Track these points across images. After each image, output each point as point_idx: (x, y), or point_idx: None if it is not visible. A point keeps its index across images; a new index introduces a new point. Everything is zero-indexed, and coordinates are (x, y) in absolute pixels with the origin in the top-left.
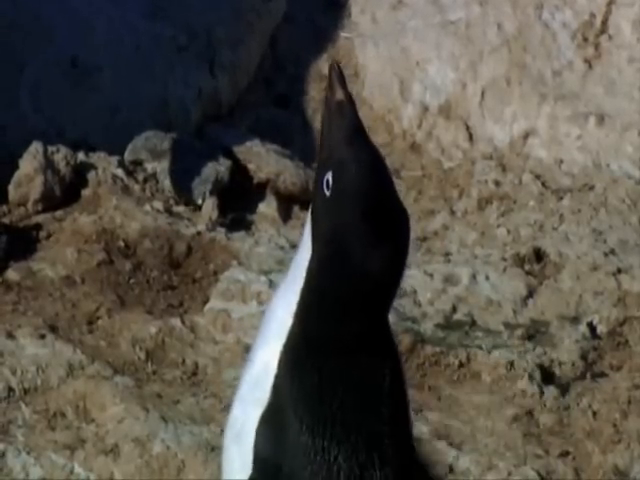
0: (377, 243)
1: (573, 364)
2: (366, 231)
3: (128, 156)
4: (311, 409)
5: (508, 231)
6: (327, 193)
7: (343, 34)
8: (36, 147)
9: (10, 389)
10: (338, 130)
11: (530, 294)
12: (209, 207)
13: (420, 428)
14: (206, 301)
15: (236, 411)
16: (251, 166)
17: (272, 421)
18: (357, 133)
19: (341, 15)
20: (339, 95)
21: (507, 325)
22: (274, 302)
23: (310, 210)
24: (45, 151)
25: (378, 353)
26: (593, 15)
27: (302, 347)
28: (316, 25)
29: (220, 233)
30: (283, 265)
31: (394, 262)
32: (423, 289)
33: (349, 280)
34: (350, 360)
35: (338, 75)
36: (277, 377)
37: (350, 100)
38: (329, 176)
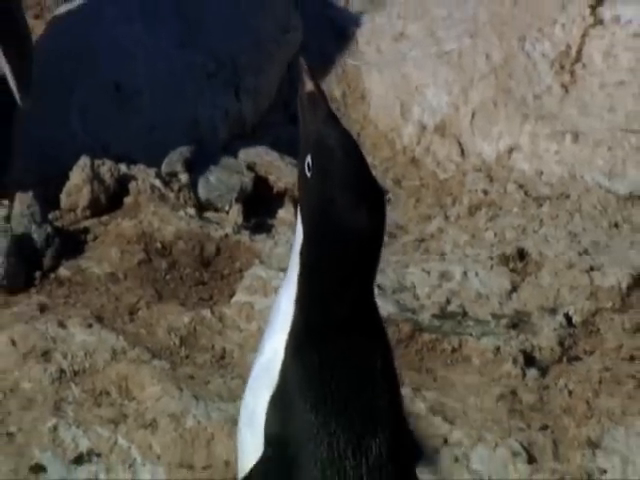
0: (358, 203)
1: (551, 349)
2: (347, 195)
3: (164, 168)
4: (313, 389)
5: (495, 234)
6: (309, 175)
7: (351, 62)
8: (84, 161)
9: (62, 371)
10: (311, 118)
11: (514, 289)
12: (235, 213)
13: (418, 405)
14: (232, 295)
15: (248, 397)
16: (271, 177)
17: (280, 402)
18: (328, 117)
19: (349, 46)
20: (309, 87)
21: (494, 315)
22: (279, 295)
23: (299, 203)
24: (92, 164)
25: (369, 333)
26: (569, 46)
27: (303, 333)
28: (328, 54)
29: (245, 236)
30: None
31: (375, 219)
32: (421, 284)
33: (336, 244)
34: (345, 342)
35: (306, 70)
36: (283, 363)
37: (319, 90)
38: (308, 159)
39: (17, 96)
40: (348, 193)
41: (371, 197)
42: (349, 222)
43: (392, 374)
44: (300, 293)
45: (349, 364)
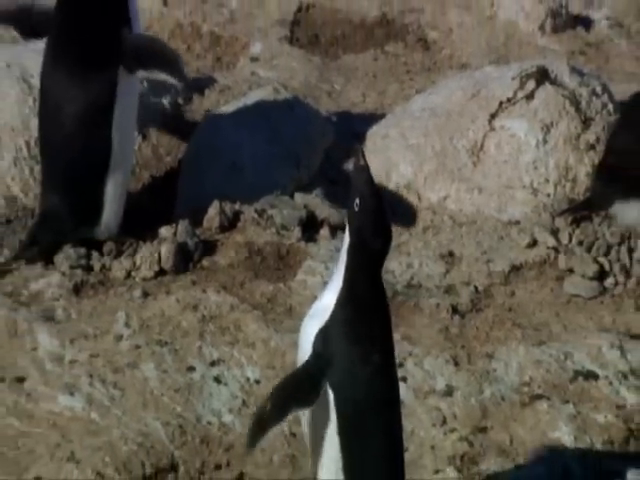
0: (380, 233)
1: (466, 305)
2: (374, 227)
3: (259, 207)
4: (348, 329)
5: (437, 242)
6: (356, 209)
7: (359, 147)
8: (215, 204)
9: (203, 316)
10: (360, 179)
11: (447, 272)
12: (297, 231)
13: (396, 335)
14: (295, 276)
15: (306, 328)
16: (317, 212)
17: (326, 334)
18: (368, 180)
19: (359, 141)
20: (362, 162)
21: (436, 286)
22: (333, 274)
23: (346, 219)
24: (220, 205)
25: (379, 297)
26: (476, 142)
27: (345, 296)
28: (347, 147)
29: (302, 244)
30: (333, 259)
31: (387, 243)
32: (397, 269)
33: (365, 251)
34: (368, 301)
35: (362, 153)
36: (333, 312)
37: (366, 164)
38: (357, 200)
39: (177, 83)
40: (372, 226)
41: (384, 229)
42: (372, 243)
43: (389, 319)
44: (345, 273)
45: (370, 314)
